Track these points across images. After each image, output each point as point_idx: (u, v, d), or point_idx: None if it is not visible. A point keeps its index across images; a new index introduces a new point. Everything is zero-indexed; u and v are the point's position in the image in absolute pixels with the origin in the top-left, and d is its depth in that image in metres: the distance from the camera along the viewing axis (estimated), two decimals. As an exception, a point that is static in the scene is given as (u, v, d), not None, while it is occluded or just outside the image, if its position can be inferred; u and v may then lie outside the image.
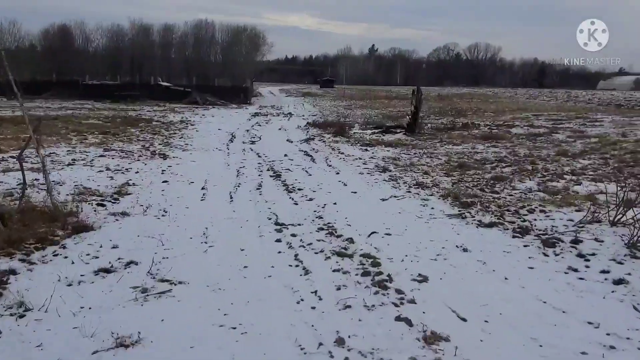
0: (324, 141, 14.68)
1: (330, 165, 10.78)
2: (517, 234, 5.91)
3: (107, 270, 4.55)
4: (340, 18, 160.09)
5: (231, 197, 7.87)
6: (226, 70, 43.57)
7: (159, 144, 13.58)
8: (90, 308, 3.78)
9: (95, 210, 6.60)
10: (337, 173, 9.92)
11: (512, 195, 8.09)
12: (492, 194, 8.18)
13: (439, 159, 11.72)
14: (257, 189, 8.48)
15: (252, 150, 13.24)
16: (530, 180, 9.32)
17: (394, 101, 39.21)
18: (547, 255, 5.20)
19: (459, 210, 6.93)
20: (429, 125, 19.11)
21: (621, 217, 6.17)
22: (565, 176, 9.63)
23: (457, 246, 5.46)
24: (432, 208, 7.09)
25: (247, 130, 18.19)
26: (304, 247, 5.42)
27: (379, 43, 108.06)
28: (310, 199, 7.69)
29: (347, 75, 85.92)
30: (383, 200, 7.66)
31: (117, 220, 6.27)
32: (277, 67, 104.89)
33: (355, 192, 8.19)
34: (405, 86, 69.83)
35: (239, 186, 8.68)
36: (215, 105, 32.18)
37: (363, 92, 48.67)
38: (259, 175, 9.73)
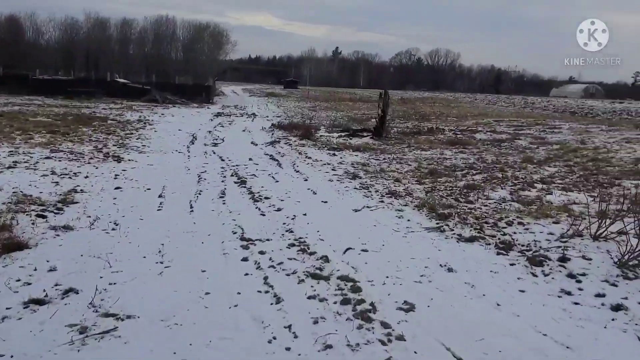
0: (290, 144, 14.07)
1: (297, 171, 10.19)
2: (501, 250, 5.52)
3: (40, 302, 3.80)
4: (305, 19, 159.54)
5: (191, 207, 7.16)
6: (188, 68, 42.16)
7: (113, 145, 12.59)
8: (11, 357, 3.04)
9: (33, 223, 5.75)
10: (306, 180, 9.35)
11: (487, 205, 7.76)
12: (467, 203, 7.83)
13: (408, 165, 11.35)
14: (221, 197, 7.79)
15: (214, 153, 12.47)
16: (502, 188, 9.06)
17: (358, 103, 39.03)
18: (536, 276, 4.82)
19: (437, 223, 6.51)
20: (394, 129, 18.86)
21: (603, 231, 5.92)
22: (535, 184, 9.44)
23: (440, 265, 5.00)
24: (409, 220, 6.64)
25: (210, 132, 17.34)
26: (274, 267, 4.82)
27: (342, 46, 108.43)
28: (279, 209, 7.08)
29: (311, 77, 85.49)
30: (356, 211, 7.15)
31: (58, 235, 5.45)
32: (240, 67, 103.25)
33: (325, 202, 7.65)
34: (369, 89, 70.09)
35: (200, 194, 7.96)
36: (175, 104, 30.94)
37: (327, 94, 48.31)
38: (222, 181, 9.03)
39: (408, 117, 27.02)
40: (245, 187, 8.55)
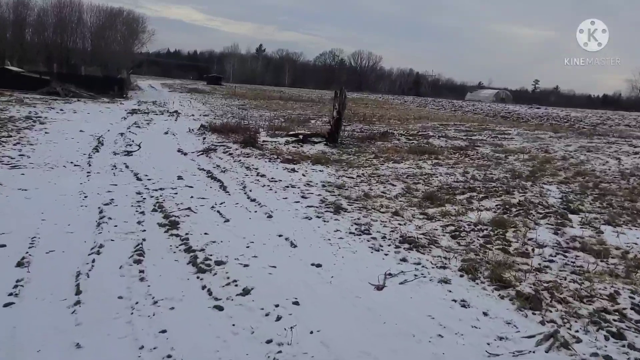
0: (230, 154, 10.65)
1: (253, 200, 6.89)
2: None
3: None
4: (228, 15, 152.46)
5: (78, 290, 3.71)
6: (97, 58, 36.26)
7: (-28, 156, 8.44)
8: None
9: None
10: (270, 216, 6.11)
11: (543, 257, 5.14)
12: (520, 256, 5.15)
13: (392, 184, 8.53)
14: (136, 262, 4.37)
15: (127, 167, 8.75)
16: (535, 224, 6.54)
17: (289, 103, 35.93)
18: None
19: (540, 321, 3.65)
20: (345, 133, 16.06)
21: None
22: (570, 216, 7.05)
23: None
24: (486, 315, 3.69)
25: (122, 134, 13.32)
26: None
27: (266, 44, 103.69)
28: (245, 292, 3.85)
29: (234, 73, 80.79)
30: (378, 288, 4.11)
31: None
32: (158, 60, 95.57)
33: (319, 266, 4.51)
34: (295, 87, 67.18)
35: (98, 254, 4.48)
36: (80, 98, 25.74)
37: (255, 92, 44.59)
38: (140, 222, 5.54)
39: (349, 119, 24.43)
40: (177, 235, 5.15)
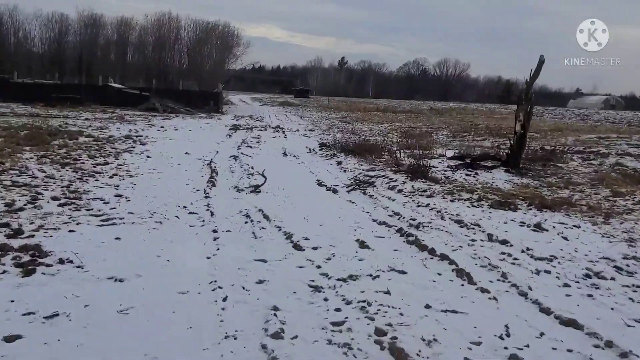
0: (399, 190, 7.09)
1: (546, 311, 3.26)
2: None
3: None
4: (308, 31, 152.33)
5: None
6: (192, 72, 35.18)
7: (53, 200, 5.67)
8: None
9: None
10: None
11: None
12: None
13: None
14: None
15: (266, 217, 5.51)
16: None
17: (388, 114, 32.22)
18: None
19: None
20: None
21: None
22: None
23: None
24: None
25: (234, 157, 10.40)
26: None
27: (346, 57, 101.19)
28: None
29: (318, 86, 78.86)
30: None
31: None
32: (243, 76, 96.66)
33: None
34: (380, 99, 63.52)
35: None
36: (179, 113, 24.00)
37: (347, 104, 41.44)
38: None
39: (479, 133, 20.19)
40: None
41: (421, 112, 35.35)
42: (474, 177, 8.51)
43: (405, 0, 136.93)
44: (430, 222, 5.32)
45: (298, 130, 18.56)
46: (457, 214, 5.66)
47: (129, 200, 5.95)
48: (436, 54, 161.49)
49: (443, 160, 9.93)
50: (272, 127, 19.37)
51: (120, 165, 8.46)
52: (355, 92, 78.37)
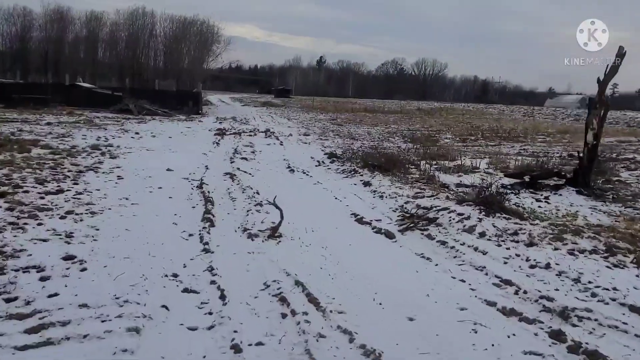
0: (482, 234, 4.93)
1: None
2: None
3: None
4: (287, 31, 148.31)
5: None
6: (169, 71, 32.31)
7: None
8: None
9: None
10: None
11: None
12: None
13: None
14: None
15: (312, 301, 3.32)
16: None
17: (378, 115, 30.24)
18: None
19: None
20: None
21: None
22: None
23: None
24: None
25: (231, 176, 8.08)
26: None
27: (326, 56, 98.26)
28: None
29: (297, 86, 76.40)
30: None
31: None
32: (220, 75, 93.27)
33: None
34: (360, 98, 61.65)
35: None
36: (155, 115, 21.36)
37: (330, 104, 39.24)
38: None
39: (484, 136, 18.28)
40: None
41: (410, 113, 33.54)
42: (545, 202, 6.52)
43: (385, 1, 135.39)
44: (583, 309, 3.22)
45: (291, 135, 16.32)
46: (614, 288, 3.55)
47: (84, 270, 3.65)
48: (415, 54, 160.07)
49: (484, 177, 7.89)
50: (262, 132, 17.04)
51: (80, 194, 6.08)
52: (336, 92, 76.34)
